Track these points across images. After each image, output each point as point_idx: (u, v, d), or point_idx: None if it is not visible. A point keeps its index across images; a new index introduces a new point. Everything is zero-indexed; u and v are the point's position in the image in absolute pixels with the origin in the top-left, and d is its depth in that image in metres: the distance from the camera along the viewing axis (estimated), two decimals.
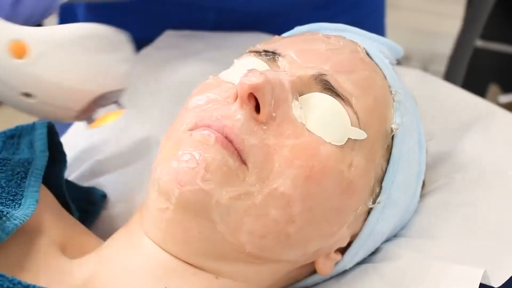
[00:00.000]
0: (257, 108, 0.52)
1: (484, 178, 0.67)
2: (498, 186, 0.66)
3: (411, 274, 0.57)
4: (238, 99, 0.52)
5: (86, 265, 0.55)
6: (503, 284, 0.54)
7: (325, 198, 0.53)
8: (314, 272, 0.59)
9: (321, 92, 0.55)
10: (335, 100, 0.55)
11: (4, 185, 0.56)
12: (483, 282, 0.53)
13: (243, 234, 0.51)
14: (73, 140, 0.76)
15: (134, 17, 0.91)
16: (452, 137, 0.74)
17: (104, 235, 0.61)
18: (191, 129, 0.53)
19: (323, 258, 0.57)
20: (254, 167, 0.51)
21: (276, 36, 0.64)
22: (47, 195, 0.61)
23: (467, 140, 0.73)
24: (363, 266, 0.60)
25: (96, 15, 0.93)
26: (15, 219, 0.52)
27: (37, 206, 0.56)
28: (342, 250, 0.59)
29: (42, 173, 0.59)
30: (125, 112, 0.57)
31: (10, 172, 0.58)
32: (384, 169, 0.58)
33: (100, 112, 0.56)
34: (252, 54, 0.60)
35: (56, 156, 0.64)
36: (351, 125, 0.55)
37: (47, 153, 0.61)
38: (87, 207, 0.68)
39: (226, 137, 0.51)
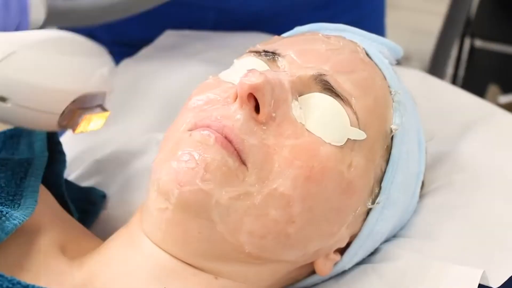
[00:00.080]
0: (257, 108, 0.52)
1: (484, 179, 0.67)
2: (498, 187, 0.66)
3: (411, 274, 0.57)
4: (237, 99, 0.52)
5: (86, 265, 0.55)
6: (502, 285, 0.55)
7: (325, 198, 0.53)
8: (313, 272, 0.59)
9: (321, 92, 0.55)
10: (335, 100, 0.55)
11: (3, 185, 0.57)
12: (482, 283, 0.53)
13: (243, 234, 0.51)
14: (73, 140, 0.76)
15: (134, 17, 0.91)
16: (452, 138, 0.74)
17: (104, 235, 0.61)
18: (190, 129, 0.53)
19: (322, 259, 0.57)
20: (254, 167, 0.51)
21: (276, 36, 0.64)
22: (46, 195, 0.61)
23: (467, 140, 0.73)
24: (362, 267, 0.60)
25: None
26: (14, 219, 0.52)
27: (37, 206, 0.56)
28: (341, 251, 0.58)
29: (42, 173, 0.59)
30: (118, 115, 0.55)
31: (9, 172, 0.58)
32: (383, 169, 0.58)
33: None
34: (252, 54, 0.60)
35: (56, 156, 0.64)
36: (351, 126, 0.55)
37: (46, 153, 0.61)
38: (86, 207, 0.68)
39: (225, 137, 0.51)
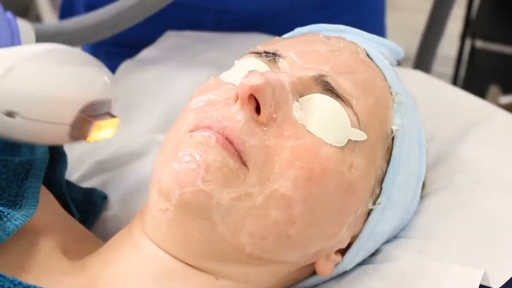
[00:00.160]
0: (258, 109, 0.52)
1: (485, 179, 0.67)
2: (499, 187, 0.66)
3: (411, 275, 0.57)
4: (238, 100, 0.52)
5: (87, 266, 0.55)
6: (502, 286, 0.55)
7: (326, 199, 0.53)
8: (314, 273, 0.59)
9: (322, 93, 0.55)
10: (336, 101, 0.55)
11: (4, 186, 0.57)
12: (482, 284, 0.53)
13: (244, 235, 0.51)
14: None
15: None
16: (453, 138, 0.74)
17: (105, 236, 0.61)
18: (191, 130, 0.53)
19: (323, 259, 0.57)
20: (255, 168, 0.51)
21: (277, 37, 0.64)
22: (48, 196, 0.61)
23: (468, 141, 0.73)
24: (363, 267, 0.60)
25: None
26: (15, 220, 0.52)
27: (38, 207, 0.56)
28: (342, 251, 0.59)
29: (43, 174, 0.60)
30: (120, 118, 0.55)
31: (11, 173, 0.58)
32: (384, 170, 0.58)
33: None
34: (253, 55, 0.60)
35: (57, 157, 0.64)
36: (352, 126, 0.55)
37: (47, 154, 0.61)
38: (87, 208, 0.68)
39: (226, 138, 0.51)
